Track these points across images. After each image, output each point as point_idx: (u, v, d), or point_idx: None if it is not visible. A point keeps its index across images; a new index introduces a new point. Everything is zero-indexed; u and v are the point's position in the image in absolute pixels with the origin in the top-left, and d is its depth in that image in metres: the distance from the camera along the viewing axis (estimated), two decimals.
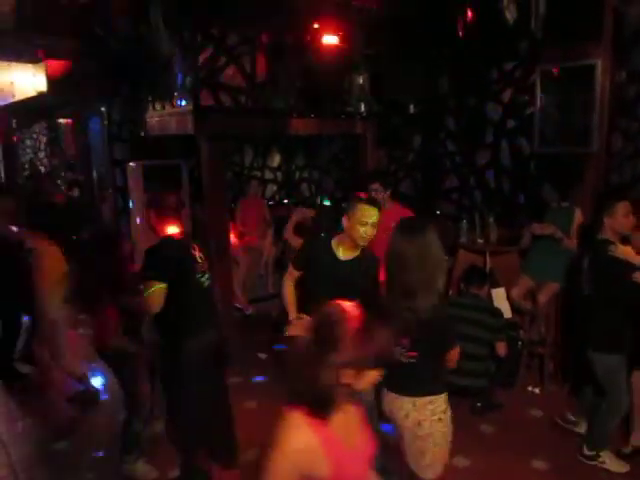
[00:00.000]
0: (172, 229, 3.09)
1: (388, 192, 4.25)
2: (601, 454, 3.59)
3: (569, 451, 3.76)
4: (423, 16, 4.65)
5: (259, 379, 4.86)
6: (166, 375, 3.25)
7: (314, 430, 1.57)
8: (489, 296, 4.66)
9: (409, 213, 4.12)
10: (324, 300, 2.00)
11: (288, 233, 6.24)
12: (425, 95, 6.28)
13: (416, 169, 6.78)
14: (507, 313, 4.59)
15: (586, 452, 3.64)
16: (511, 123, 5.70)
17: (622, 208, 3.38)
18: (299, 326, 2.85)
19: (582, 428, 3.91)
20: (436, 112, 6.39)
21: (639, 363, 3.55)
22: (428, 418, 2.41)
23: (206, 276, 3.19)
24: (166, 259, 2.99)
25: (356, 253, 3.12)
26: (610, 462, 3.57)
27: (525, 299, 4.89)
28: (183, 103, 5.11)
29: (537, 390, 4.63)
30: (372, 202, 3.07)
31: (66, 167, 8.04)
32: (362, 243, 3.06)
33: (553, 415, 4.16)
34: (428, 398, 2.43)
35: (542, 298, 4.74)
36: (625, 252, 3.27)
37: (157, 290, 2.90)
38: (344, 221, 3.04)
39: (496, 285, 4.81)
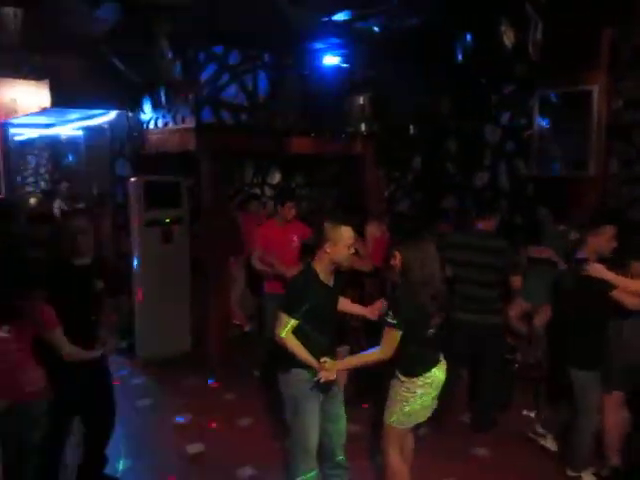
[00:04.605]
0: None
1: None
2: (582, 475, 3.61)
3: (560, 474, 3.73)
4: (423, 39, 4.71)
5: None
6: None
7: None
8: None
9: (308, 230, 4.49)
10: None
11: None
12: (425, 117, 6.34)
13: (415, 189, 6.82)
14: None
15: (570, 473, 3.65)
16: (510, 146, 5.76)
17: (609, 230, 3.42)
18: (331, 368, 2.79)
19: (548, 442, 4.02)
20: (436, 134, 6.45)
21: (607, 384, 3.55)
22: None
23: None
24: None
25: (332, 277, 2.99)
26: None
27: (521, 322, 4.90)
28: (185, 120, 5.17)
29: (532, 414, 4.60)
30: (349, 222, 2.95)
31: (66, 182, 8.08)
32: (346, 264, 2.97)
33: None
34: None
35: (538, 321, 4.74)
36: (598, 270, 3.27)
37: None
38: (327, 246, 2.85)
39: None
